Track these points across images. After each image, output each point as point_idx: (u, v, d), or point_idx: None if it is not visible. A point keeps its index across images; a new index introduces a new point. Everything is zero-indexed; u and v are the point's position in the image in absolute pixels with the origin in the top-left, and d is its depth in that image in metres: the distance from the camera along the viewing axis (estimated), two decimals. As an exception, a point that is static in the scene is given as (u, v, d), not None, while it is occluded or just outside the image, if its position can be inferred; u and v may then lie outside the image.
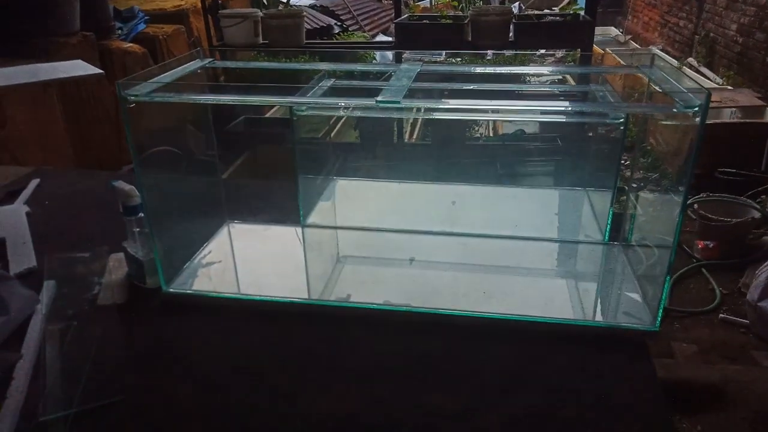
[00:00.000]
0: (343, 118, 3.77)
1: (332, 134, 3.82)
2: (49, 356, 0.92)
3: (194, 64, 1.12)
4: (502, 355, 0.91)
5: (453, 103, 0.93)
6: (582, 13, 2.71)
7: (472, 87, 1.02)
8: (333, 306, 1.03)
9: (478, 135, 3.02)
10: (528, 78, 1.05)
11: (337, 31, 6.17)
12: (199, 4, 3.28)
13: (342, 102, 0.99)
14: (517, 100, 0.96)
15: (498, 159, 2.11)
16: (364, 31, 6.36)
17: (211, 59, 1.15)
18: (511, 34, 2.72)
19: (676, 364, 1.78)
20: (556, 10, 3.57)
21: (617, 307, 0.98)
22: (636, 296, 0.99)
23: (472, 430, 0.78)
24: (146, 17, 3.36)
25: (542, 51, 2.59)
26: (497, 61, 1.24)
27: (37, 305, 1.03)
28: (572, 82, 1.12)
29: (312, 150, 1.52)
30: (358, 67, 1.29)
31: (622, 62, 4.87)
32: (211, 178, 1.34)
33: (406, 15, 2.96)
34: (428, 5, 5.82)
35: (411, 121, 3.47)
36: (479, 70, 1.08)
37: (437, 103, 0.90)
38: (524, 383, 0.85)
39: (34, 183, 1.58)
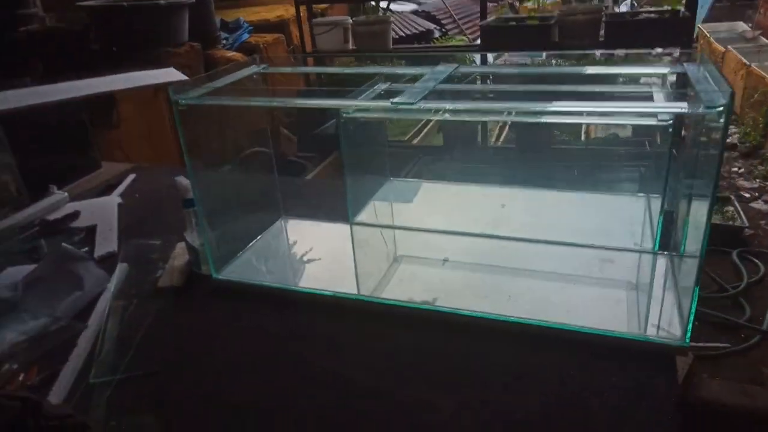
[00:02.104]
0: (431, 122, 3.81)
1: (419, 137, 3.88)
2: (110, 328, 1.05)
3: (249, 70, 1.22)
4: (506, 357, 0.90)
5: (469, 105, 0.93)
6: (682, 9, 2.53)
7: (505, 88, 1.01)
8: (364, 300, 1.07)
9: (566, 138, 2.91)
10: (575, 78, 1.02)
11: (437, 36, 6.21)
12: (303, 14, 3.48)
13: (355, 102, 1.02)
14: (550, 100, 0.94)
15: (578, 163, 2.03)
16: (465, 35, 6.33)
17: (265, 65, 1.24)
18: (601, 33, 2.60)
19: (763, 392, 1.61)
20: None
21: (648, 319, 0.93)
22: (673, 309, 0.93)
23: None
24: (250, 27, 3.61)
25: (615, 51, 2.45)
26: (556, 62, 1.21)
27: (108, 284, 1.17)
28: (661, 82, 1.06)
29: (372, 151, 1.58)
30: (408, 70, 1.32)
31: (745, 60, 4.43)
32: (270, 175, 1.43)
33: (493, 17, 2.93)
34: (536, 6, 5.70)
35: (500, 124, 3.43)
36: (522, 70, 1.07)
37: (451, 104, 0.90)
38: (527, 388, 0.84)
39: (130, 178, 1.78)
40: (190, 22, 2.94)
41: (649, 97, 1.05)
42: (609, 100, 1.00)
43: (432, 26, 6.32)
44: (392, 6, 6.61)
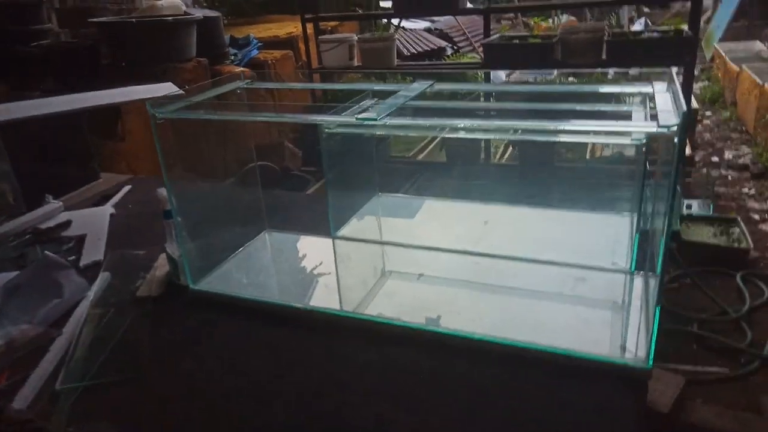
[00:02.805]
0: (436, 138, 3.82)
1: (424, 153, 3.89)
2: (83, 336, 1.06)
3: (233, 85, 1.24)
4: (471, 374, 0.89)
5: (427, 121, 0.94)
6: (685, 28, 2.51)
7: (480, 105, 1.02)
8: (336, 315, 1.07)
9: (569, 156, 2.90)
10: (554, 96, 1.02)
11: (449, 53, 6.26)
12: (310, 31, 3.54)
13: (326, 118, 1.03)
14: (517, 117, 0.94)
15: (574, 181, 2.01)
16: (477, 53, 6.36)
17: (249, 80, 1.26)
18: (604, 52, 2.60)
19: (756, 420, 1.57)
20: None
21: (614, 340, 0.91)
22: (641, 331, 0.92)
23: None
24: (259, 44, 3.68)
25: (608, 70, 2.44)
26: (538, 81, 1.21)
27: (88, 292, 1.19)
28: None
29: (359, 166, 1.59)
30: (389, 87, 1.33)
31: (758, 80, 4.38)
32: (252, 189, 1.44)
33: (496, 35, 2.95)
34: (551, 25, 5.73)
35: (505, 141, 3.42)
36: (499, 88, 1.08)
37: (412, 121, 0.91)
38: (491, 409, 0.83)
39: (125, 189, 1.82)
40: (199, 39, 3.00)
41: (627, 116, 1.04)
42: (585, 118, 1.01)
43: (444, 44, 6.37)
44: (406, 24, 6.68)
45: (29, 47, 2.72)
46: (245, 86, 1.25)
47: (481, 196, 1.50)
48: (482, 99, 1.51)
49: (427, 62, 4.59)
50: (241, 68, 3.32)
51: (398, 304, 1.09)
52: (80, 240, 1.47)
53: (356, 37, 3.09)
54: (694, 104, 3.55)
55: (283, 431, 0.83)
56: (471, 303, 1.09)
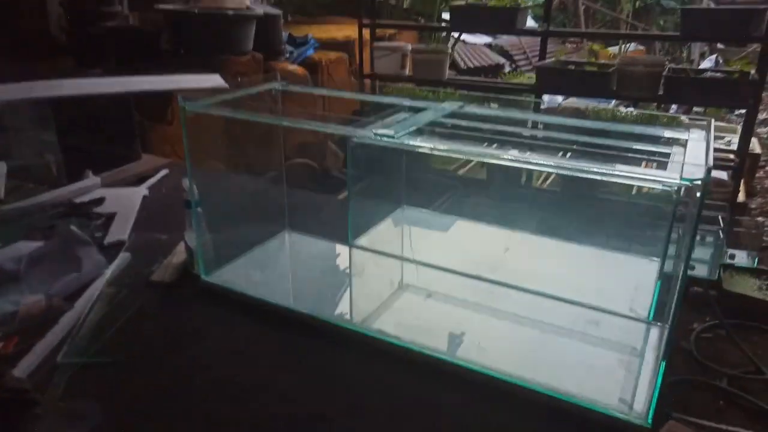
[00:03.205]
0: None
1: (466, 168, 3.84)
2: (93, 313, 1.09)
3: (269, 86, 1.25)
4: (456, 405, 0.87)
5: (445, 146, 0.92)
6: (752, 72, 2.40)
7: (506, 129, 1.00)
8: (339, 326, 1.06)
9: (612, 190, 2.80)
10: (590, 131, 0.98)
11: (506, 70, 6.18)
12: (367, 37, 3.56)
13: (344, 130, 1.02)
14: (542, 150, 0.92)
15: (611, 218, 1.93)
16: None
17: (284, 82, 1.27)
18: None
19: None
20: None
21: (616, 390, 0.87)
22: (646, 384, 0.87)
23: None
24: (316, 44, 3.72)
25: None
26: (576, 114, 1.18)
27: (106, 270, 1.22)
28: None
29: (386, 178, 1.58)
30: (419, 104, 1.30)
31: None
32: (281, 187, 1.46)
33: (552, 59, 2.89)
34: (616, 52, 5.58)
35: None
36: (530, 117, 1.05)
37: (428, 143, 0.90)
38: (473, 443, 0.81)
39: (163, 172, 1.87)
40: (257, 34, 3.07)
41: (664, 159, 1.00)
42: (618, 155, 0.97)
43: (502, 61, 6.31)
44: (467, 38, 6.65)
45: (96, 26, 2.83)
46: (281, 88, 1.26)
47: (509, 221, 1.46)
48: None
49: (478, 78, 4.54)
50: (295, 66, 3.38)
51: (401, 320, 1.08)
52: (110, 218, 1.51)
53: (410, 47, 3.09)
54: (757, 149, 3.37)
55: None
56: (475, 330, 1.06)
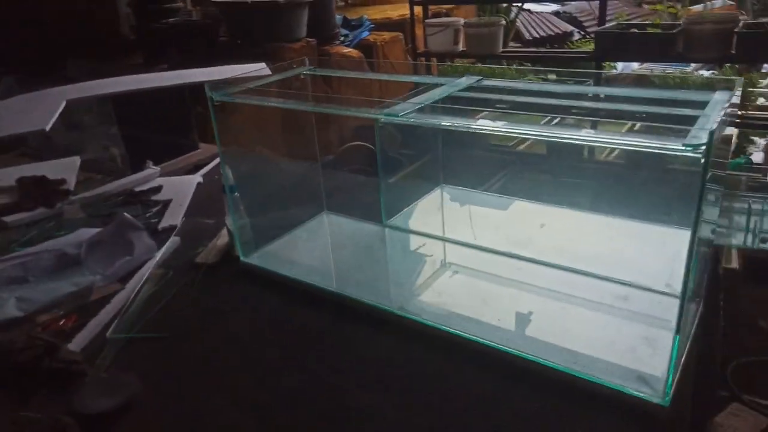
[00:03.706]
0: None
1: (526, 143, 3.73)
2: (142, 293, 1.18)
3: (297, 71, 1.29)
4: (479, 382, 0.87)
5: (452, 122, 0.90)
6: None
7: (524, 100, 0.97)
8: (365, 304, 1.08)
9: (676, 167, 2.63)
10: (613, 98, 0.94)
11: (576, 38, 5.90)
12: (420, 14, 3.53)
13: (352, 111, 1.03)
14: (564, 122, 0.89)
15: (665, 192, 1.81)
16: (607, 39, 5.94)
17: (312, 67, 1.30)
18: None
19: None
20: None
21: (637, 370, 0.84)
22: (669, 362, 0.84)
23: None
24: (371, 25, 3.73)
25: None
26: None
27: (156, 253, 1.32)
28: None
29: (423, 156, 1.58)
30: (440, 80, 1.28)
31: None
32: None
33: (613, 23, 2.74)
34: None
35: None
36: (548, 88, 1.02)
37: (437, 120, 0.89)
38: (480, 416, 0.81)
39: (216, 161, 1.96)
40: (311, 19, 3.12)
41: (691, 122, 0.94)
42: (641, 120, 0.92)
43: (571, 29, 6.02)
44: (533, 6, 6.40)
45: (159, 23, 2.99)
46: (308, 72, 1.29)
47: (554, 197, 1.43)
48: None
49: (534, 49, 4.37)
50: (350, 49, 3.41)
51: (426, 297, 1.09)
52: (166, 204, 1.62)
53: (462, 22, 3.03)
54: None
55: (282, 406, 0.88)
56: (495, 305, 1.05)
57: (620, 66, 4.90)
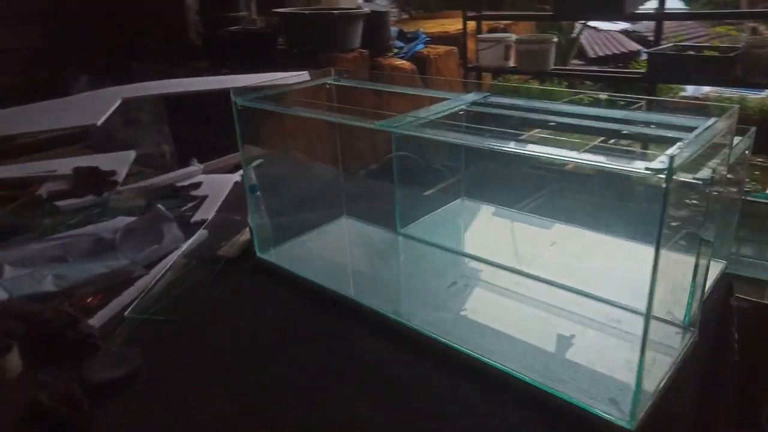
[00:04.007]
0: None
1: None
2: (163, 279, 1.28)
3: (323, 80, 1.35)
4: (459, 393, 0.89)
5: (444, 136, 0.93)
6: None
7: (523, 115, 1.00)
8: (367, 308, 1.12)
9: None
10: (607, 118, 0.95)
11: (643, 58, 5.73)
12: (473, 29, 3.56)
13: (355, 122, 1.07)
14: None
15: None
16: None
17: (337, 77, 1.36)
18: (796, 72, 2.21)
19: None
20: None
21: (611, 391, 0.84)
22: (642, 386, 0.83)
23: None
24: (427, 39, 3.78)
25: None
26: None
27: (183, 244, 1.41)
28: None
29: (442, 169, 1.61)
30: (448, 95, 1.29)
31: None
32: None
33: (669, 44, 2.66)
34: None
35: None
36: (551, 106, 1.04)
37: (430, 134, 0.91)
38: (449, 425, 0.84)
39: (256, 162, 2.06)
40: (366, 31, 3.21)
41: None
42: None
43: (638, 48, 5.85)
44: (601, 25, 6.27)
45: (223, 31, 3.17)
46: (333, 82, 1.36)
47: (569, 215, 1.42)
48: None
49: (584, 68, 4.28)
50: (402, 61, 3.47)
51: (420, 305, 1.12)
52: (202, 200, 1.72)
53: (514, 38, 3.03)
54: None
55: (266, 398, 0.93)
56: (487, 318, 1.06)
57: (690, 89, 4.72)
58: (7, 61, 3.27)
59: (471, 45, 3.94)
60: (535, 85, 3.15)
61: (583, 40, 5.90)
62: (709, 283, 1.11)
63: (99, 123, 1.49)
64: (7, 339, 1.00)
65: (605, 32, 6.20)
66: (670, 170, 0.62)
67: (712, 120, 0.78)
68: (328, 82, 1.36)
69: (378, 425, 0.85)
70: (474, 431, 0.82)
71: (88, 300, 1.20)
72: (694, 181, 0.89)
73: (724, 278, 1.15)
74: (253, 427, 0.87)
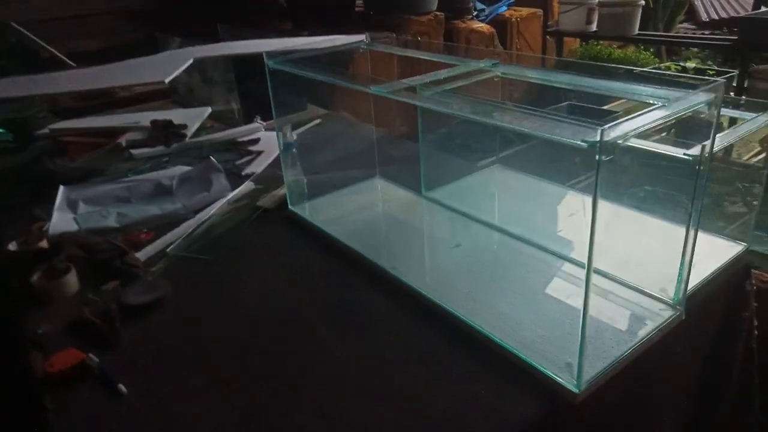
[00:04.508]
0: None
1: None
2: (206, 223, 1.43)
3: (356, 45, 1.42)
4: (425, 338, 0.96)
5: (430, 103, 0.96)
6: None
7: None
8: (371, 262, 1.20)
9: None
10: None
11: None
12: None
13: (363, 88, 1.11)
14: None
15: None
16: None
17: (370, 43, 1.42)
18: None
19: None
20: None
21: (570, 356, 0.87)
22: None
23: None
24: (511, 1, 3.67)
25: None
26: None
27: (229, 193, 1.56)
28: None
29: (476, 133, 1.64)
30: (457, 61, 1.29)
31: None
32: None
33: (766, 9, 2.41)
34: None
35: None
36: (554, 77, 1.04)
37: (420, 102, 0.95)
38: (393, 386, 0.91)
39: (316, 122, 2.18)
40: (445, -7, 3.19)
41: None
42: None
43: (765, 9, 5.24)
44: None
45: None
46: (366, 47, 1.42)
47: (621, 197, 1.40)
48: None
49: (665, 34, 3.91)
50: (481, 24, 3.41)
51: (420, 265, 1.18)
52: (258, 154, 1.87)
53: (598, 0, 2.87)
54: None
55: (264, 330, 1.05)
56: (477, 279, 1.10)
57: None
58: (112, 22, 3.62)
59: (557, 7, 3.77)
60: (617, 51, 2.98)
61: (697, 1, 5.41)
62: (718, 265, 1.08)
63: (167, 81, 1.66)
64: (68, 263, 1.20)
65: (724, -7, 5.61)
66: (601, 143, 0.64)
67: (683, 93, 0.77)
68: (361, 47, 1.42)
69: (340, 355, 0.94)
70: (432, 375, 0.89)
71: (141, 236, 1.38)
72: (685, 157, 0.88)
73: (740, 261, 1.11)
74: (253, 348, 0.99)
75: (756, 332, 1.18)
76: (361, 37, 2.08)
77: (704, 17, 5.01)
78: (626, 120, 0.69)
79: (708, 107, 0.78)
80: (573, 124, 0.70)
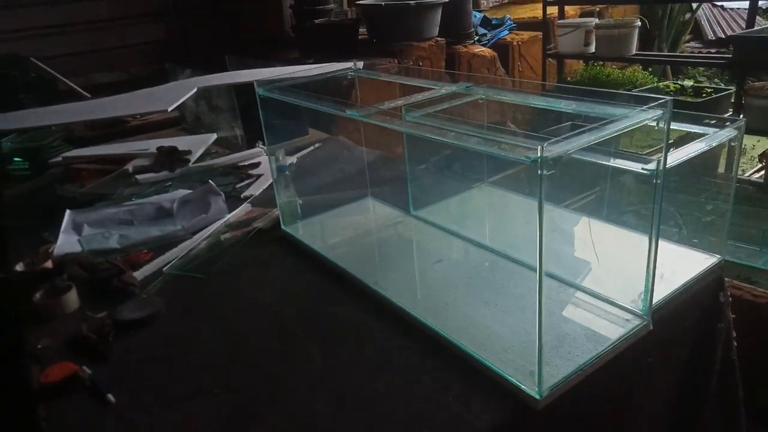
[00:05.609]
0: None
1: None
2: (203, 244, 1.50)
3: (345, 71, 1.49)
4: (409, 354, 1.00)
5: (401, 126, 1.01)
6: None
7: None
8: (355, 278, 1.24)
9: None
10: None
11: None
12: (575, 13, 3.47)
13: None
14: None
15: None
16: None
17: (358, 69, 1.49)
18: None
19: None
20: None
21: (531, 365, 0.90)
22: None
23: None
24: (512, 25, 3.75)
25: None
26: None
27: (226, 215, 1.63)
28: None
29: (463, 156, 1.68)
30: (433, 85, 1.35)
31: None
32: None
33: (761, 26, 2.44)
34: None
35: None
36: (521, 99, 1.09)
37: (390, 125, 1.00)
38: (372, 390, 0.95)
39: (315, 146, 2.25)
40: (445, 19, 3.27)
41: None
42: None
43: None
44: (728, 4, 5.73)
45: (310, 23, 3.39)
46: (354, 74, 1.48)
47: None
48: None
49: (664, 54, 3.94)
50: (482, 48, 3.49)
51: (403, 280, 1.22)
52: (257, 178, 1.94)
53: (594, 22, 2.93)
54: None
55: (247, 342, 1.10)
56: (454, 294, 1.14)
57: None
58: (128, 56, 3.78)
59: (557, 31, 3.84)
60: (616, 71, 3.02)
61: (703, 20, 5.44)
62: (689, 277, 1.10)
63: (170, 109, 1.74)
64: (69, 282, 1.27)
65: (732, 11, 5.65)
66: (541, 159, 0.68)
67: (632, 110, 0.81)
68: (349, 73, 1.49)
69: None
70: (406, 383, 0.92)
71: (141, 256, 1.44)
72: (643, 171, 0.92)
73: (713, 273, 1.13)
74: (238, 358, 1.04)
75: (735, 344, 1.19)
76: (350, 64, 2.17)
77: (710, 36, 5.04)
78: (570, 136, 0.73)
79: (657, 123, 0.82)
80: (521, 143, 0.74)
